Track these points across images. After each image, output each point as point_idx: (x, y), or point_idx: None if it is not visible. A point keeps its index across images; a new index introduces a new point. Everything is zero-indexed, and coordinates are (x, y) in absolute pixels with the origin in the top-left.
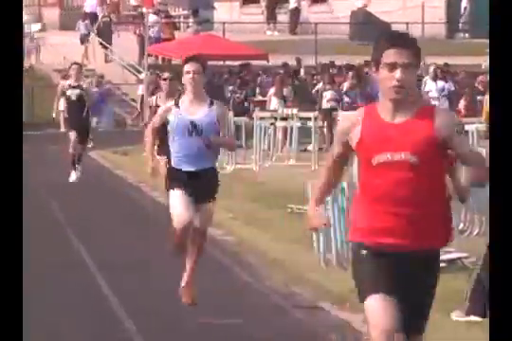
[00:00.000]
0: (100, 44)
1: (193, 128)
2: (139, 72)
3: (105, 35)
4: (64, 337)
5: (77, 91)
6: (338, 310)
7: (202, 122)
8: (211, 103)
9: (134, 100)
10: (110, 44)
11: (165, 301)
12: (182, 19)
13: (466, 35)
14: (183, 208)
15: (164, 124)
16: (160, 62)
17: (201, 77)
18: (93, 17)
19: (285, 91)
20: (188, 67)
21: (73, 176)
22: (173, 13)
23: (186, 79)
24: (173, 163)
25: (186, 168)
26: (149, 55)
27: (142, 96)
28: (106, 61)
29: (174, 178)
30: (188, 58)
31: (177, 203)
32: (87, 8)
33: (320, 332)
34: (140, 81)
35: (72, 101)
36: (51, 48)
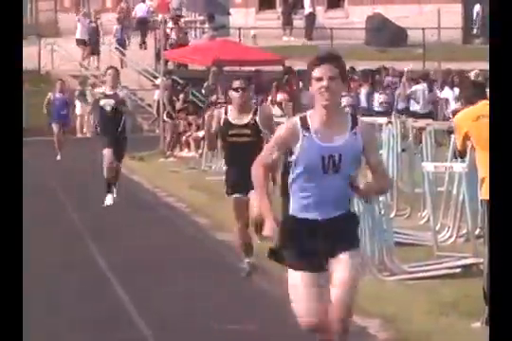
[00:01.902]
0: (116, 48)
1: (330, 161)
2: (155, 77)
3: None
4: (65, 337)
5: (112, 101)
6: (353, 315)
7: (342, 153)
8: (354, 123)
9: (150, 106)
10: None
11: (177, 304)
12: (198, 25)
13: (482, 40)
14: (313, 300)
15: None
16: (175, 67)
17: (339, 85)
18: (144, 22)
19: (280, 97)
20: (319, 72)
21: (108, 200)
22: (188, 19)
23: (316, 88)
24: (292, 209)
25: (313, 215)
26: (165, 60)
27: (158, 101)
28: (122, 66)
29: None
30: (319, 57)
31: (303, 293)
32: (138, 13)
33: (335, 338)
34: (156, 87)
35: (106, 113)
36: (66, 53)
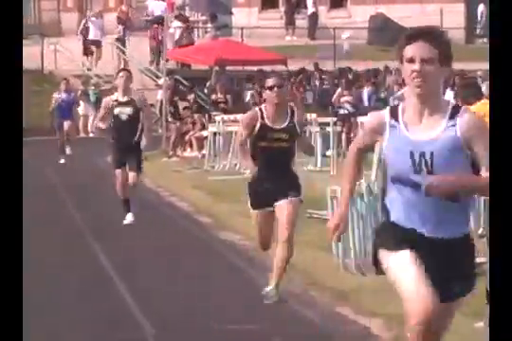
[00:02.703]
0: (117, 48)
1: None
2: (158, 77)
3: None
4: (65, 337)
5: (128, 109)
6: (357, 314)
7: (436, 149)
8: (454, 114)
9: (153, 106)
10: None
11: (178, 304)
12: (201, 24)
13: (486, 40)
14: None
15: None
16: (177, 66)
17: (438, 69)
18: (160, 20)
19: None
20: (411, 51)
21: (129, 218)
22: (191, 19)
23: (407, 72)
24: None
25: (420, 229)
26: (167, 60)
27: (161, 101)
28: (125, 66)
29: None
30: (412, 33)
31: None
32: (156, 12)
33: (339, 338)
34: (159, 87)
35: (121, 123)
36: (69, 53)
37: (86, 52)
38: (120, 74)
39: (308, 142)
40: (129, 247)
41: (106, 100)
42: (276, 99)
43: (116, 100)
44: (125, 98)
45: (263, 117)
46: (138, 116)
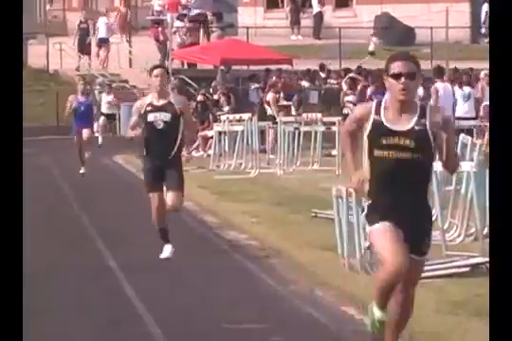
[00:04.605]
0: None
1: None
2: None
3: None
4: (66, 337)
5: (166, 115)
6: (362, 314)
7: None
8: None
9: None
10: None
11: (184, 303)
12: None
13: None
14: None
15: None
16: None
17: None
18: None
19: (270, 97)
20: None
21: (167, 250)
22: (196, 18)
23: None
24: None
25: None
26: (172, 60)
27: None
28: (131, 65)
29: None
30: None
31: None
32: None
33: (344, 337)
34: None
35: (157, 132)
36: (75, 53)
37: (83, 51)
38: (155, 72)
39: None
40: (133, 246)
41: (137, 105)
42: (402, 94)
43: (150, 104)
44: (162, 102)
45: (378, 112)
46: (178, 124)
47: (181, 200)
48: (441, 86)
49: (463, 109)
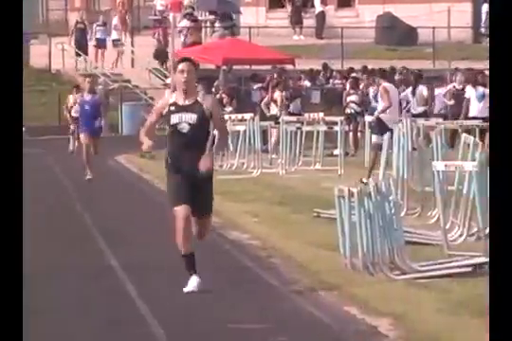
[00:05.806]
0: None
1: None
2: (166, 76)
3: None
4: (68, 337)
5: (192, 116)
6: (364, 314)
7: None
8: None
9: None
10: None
11: (187, 304)
12: (209, 24)
13: None
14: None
15: None
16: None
17: None
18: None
19: (277, 95)
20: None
21: (193, 283)
22: (200, 18)
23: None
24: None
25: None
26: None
27: None
28: (133, 65)
29: None
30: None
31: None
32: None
33: (346, 337)
34: (167, 86)
35: (182, 136)
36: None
37: (81, 51)
38: (180, 66)
39: None
40: (136, 246)
41: (158, 105)
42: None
43: (173, 104)
44: (188, 101)
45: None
46: (206, 128)
47: (210, 225)
48: (388, 86)
49: (477, 109)
